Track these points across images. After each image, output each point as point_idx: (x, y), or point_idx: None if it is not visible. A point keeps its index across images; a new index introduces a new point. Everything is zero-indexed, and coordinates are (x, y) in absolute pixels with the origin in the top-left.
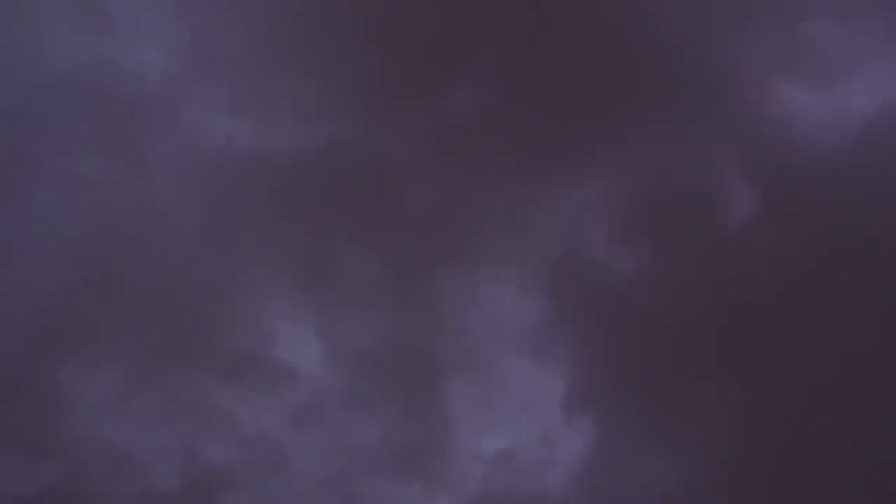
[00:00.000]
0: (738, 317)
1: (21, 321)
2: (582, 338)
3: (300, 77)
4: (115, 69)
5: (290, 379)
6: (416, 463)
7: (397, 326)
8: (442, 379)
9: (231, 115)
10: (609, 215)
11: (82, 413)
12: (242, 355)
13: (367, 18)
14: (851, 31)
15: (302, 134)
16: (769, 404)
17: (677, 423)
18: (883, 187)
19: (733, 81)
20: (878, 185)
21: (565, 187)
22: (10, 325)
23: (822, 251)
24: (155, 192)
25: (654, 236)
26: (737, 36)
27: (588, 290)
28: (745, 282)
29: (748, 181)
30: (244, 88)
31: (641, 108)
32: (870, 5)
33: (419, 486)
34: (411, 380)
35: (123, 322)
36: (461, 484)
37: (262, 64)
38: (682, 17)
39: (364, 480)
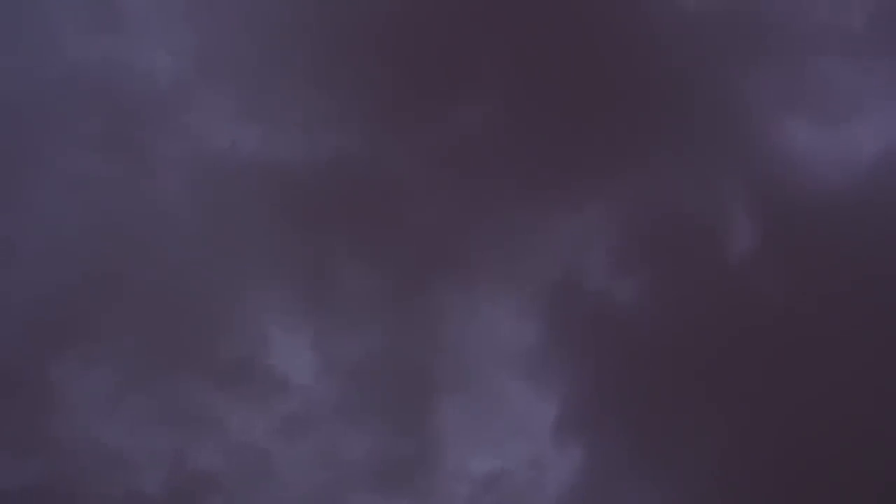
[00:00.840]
0: (732, 350)
1: (18, 316)
2: (577, 363)
3: (309, 87)
4: (123, 69)
5: (283, 389)
6: (404, 479)
7: (393, 341)
8: (434, 396)
9: (237, 121)
10: (610, 242)
11: (73, 411)
12: (236, 362)
13: (380, 33)
14: (860, 70)
15: (307, 144)
16: (757, 438)
17: (666, 454)
18: (885, 229)
19: (740, 115)
20: (880, 227)
21: (568, 211)
22: (7, 319)
23: (820, 290)
24: (157, 193)
25: (654, 266)
26: (746, 70)
27: (585, 315)
28: (741, 316)
29: (750, 215)
30: (252, 95)
31: (648, 136)
32: (880, 46)
33: (405, 503)
34: (403, 396)
35: (120, 322)
36: (448, 503)
37: (271, 71)
38: (693, 49)
39: (350, 494)
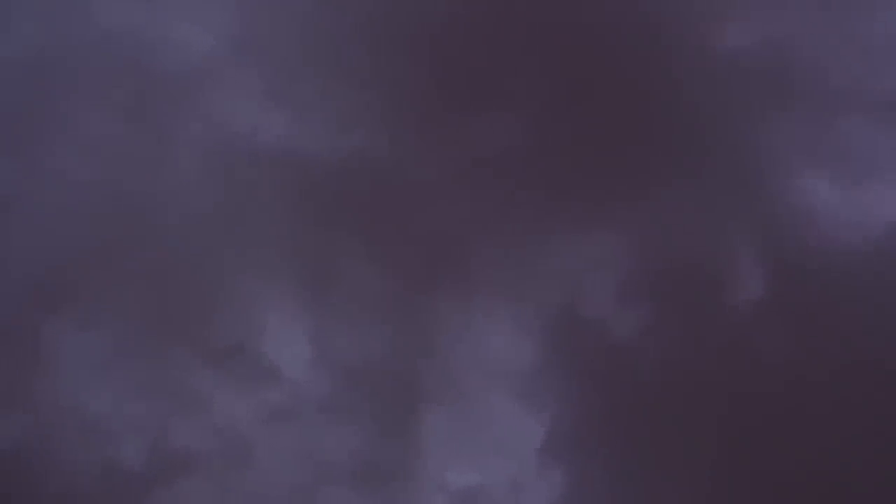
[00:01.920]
0: (725, 398)
1: (19, 272)
2: (568, 388)
3: (338, 81)
4: (155, 41)
5: (273, 377)
6: (382, 484)
7: (388, 344)
8: (423, 404)
9: (262, 106)
10: (616, 272)
11: (61, 374)
12: (230, 346)
13: (417, 38)
14: (886, 134)
15: (329, 138)
16: (743, 487)
17: (649, 492)
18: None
19: (762, 163)
20: (891, 292)
21: (578, 236)
22: (8, 274)
23: (822, 349)
24: (173, 168)
25: (657, 302)
26: (772, 119)
27: (584, 342)
28: (738, 365)
29: (760, 265)
30: (280, 82)
31: (667, 172)
32: None
33: None
34: (392, 400)
35: (118, 291)
36: None
37: (303, 61)
38: (723, 92)
39: (326, 491)
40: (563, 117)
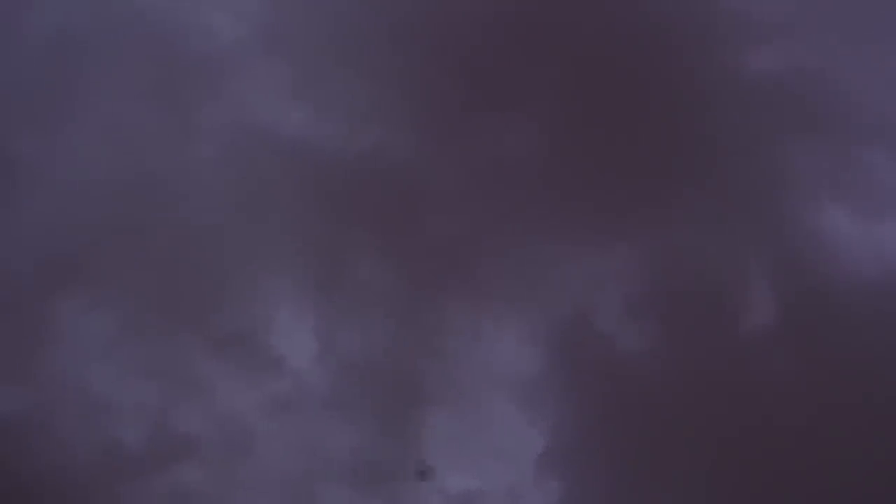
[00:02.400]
0: (728, 419)
1: (34, 246)
2: (571, 400)
3: (362, 78)
4: (186, 25)
5: (277, 369)
6: (379, 481)
7: (393, 344)
8: (425, 406)
9: (285, 97)
10: (627, 287)
11: (68, 349)
12: (237, 334)
13: (444, 41)
14: None
15: (348, 134)
16: None
17: None
18: None
19: (782, 189)
20: None
21: (590, 249)
22: (23, 247)
23: (828, 381)
24: (193, 153)
25: (667, 320)
26: (795, 145)
27: (589, 355)
28: (742, 388)
29: (772, 291)
30: (305, 75)
31: (685, 190)
32: None
33: None
34: (395, 399)
35: (131, 272)
36: None
37: (329, 56)
38: (749, 115)
39: (322, 485)
40: (585, 128)
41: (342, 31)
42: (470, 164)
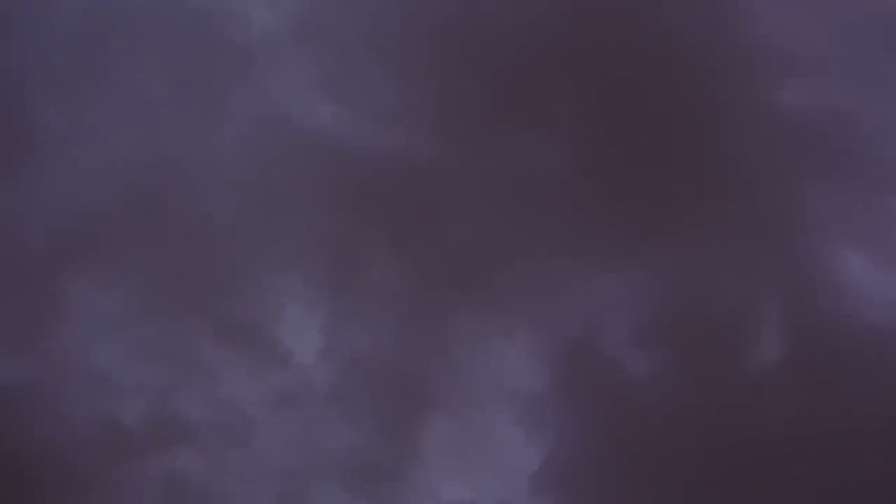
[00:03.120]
0: (727, 452)
1: (50, 220)
2: (572, 422)
3: (391, 79)
4: (219, 10)
5: (283, 363)
6: (373, 484)
7: (401, 347)
8: (426, 412)
9: (314, 91)
10: (638, 312)
11: (75, 325)
12: (245, 324)
13: (478, 48)
14: None
15: (374, 134)
16: None
17: None
18: None
19: (801, 227)
20: None
21: (607, 270)
22: (39, 220)
23: (829, 423)
24: (215, 140)
25: (674, 348)
26: (820, 185)
27: (593, 377)
28: (744, 422)
29: (782, 330)
30: (336, 70)
31: (704, 219)
32: None
33: None
34: (397, 403)
35: (144, 253)
36: None
37: (360, 54)
38: (775, 150)
39: (317, 482)
40: (611, 149)
41: (376, 29)
42: (493, 174)
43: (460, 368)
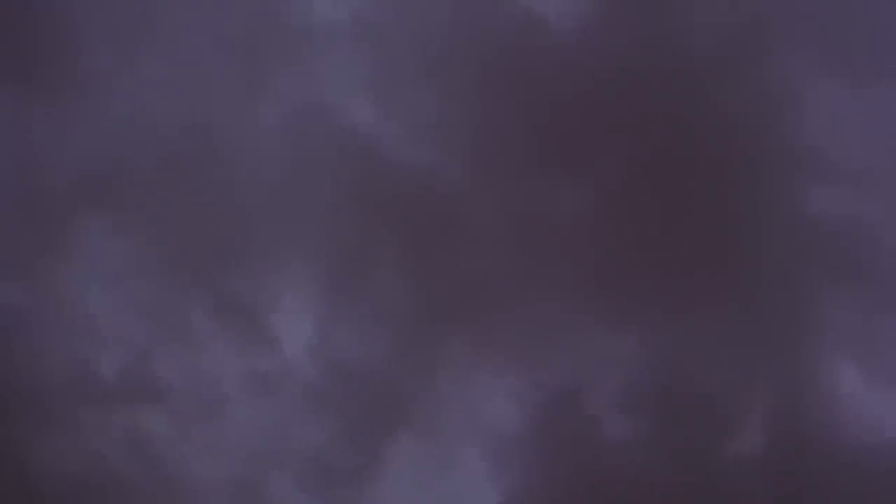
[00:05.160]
0: None
1: (75, 158)
2: (537, 470)
3: (440, 96)
4: None
5: (268, 349)
6: (330, 487)
7: (388, 360)
8: (399, 429)
9: (358, 92)
10: (628, 379)
11: (72, 268)
12: (240, 303)
13: (534, 84)
14: None
15: (408, 143)
16: None
17: None
18: None
19: (805, 330)
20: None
21: (606, 328)
22: (65, 156)
23: None
24: (252, 117)
25: (655, 421)
26: (831, 292)
27: (569, 432)
28: None
29: (764, 426)
30: (386, 76)
31: (713, 301)
32: None
33: None
34: (372, 413)
35: (158, 211)
36: None
37: (413, 60)
38: (793, 250)
39: (274, 473)
40: (638, 213)
41: (433, 40)
42: (516, 212)
43: (440, 394)
